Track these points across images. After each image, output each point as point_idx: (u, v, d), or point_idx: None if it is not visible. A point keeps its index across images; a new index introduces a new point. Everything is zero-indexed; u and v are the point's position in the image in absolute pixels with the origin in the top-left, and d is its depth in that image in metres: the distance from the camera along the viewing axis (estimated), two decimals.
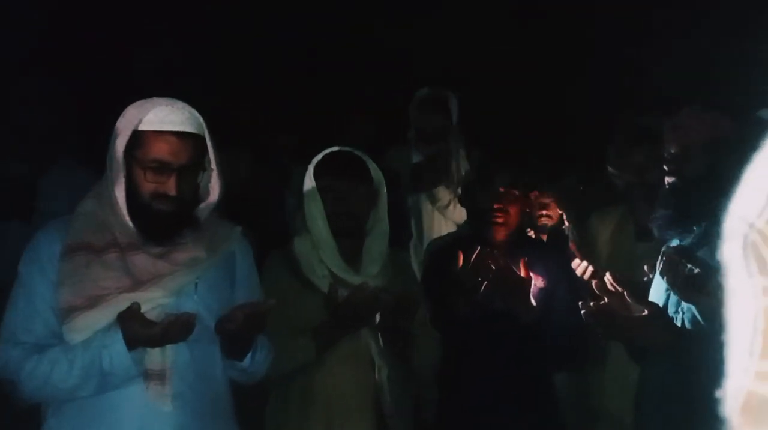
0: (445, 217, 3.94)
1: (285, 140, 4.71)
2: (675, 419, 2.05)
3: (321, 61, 5.63)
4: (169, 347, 1.95)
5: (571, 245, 2.78)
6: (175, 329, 1.88)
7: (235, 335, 2.03)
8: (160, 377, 1.94)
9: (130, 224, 2.00)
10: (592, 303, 2.06)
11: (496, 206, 2.64)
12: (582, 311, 2.05)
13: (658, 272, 2.16)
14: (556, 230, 3.62)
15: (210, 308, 2.05)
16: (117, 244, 1.98)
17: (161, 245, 2.02)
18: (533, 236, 3.55)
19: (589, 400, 2.93)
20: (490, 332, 2.61)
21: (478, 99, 5.26)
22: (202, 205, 2.11)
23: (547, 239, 3.66)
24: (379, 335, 2.46)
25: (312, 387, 2.45)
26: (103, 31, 5.02)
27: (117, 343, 1.88)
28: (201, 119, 2.05)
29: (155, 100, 2.02)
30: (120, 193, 1.99)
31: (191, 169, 2.02)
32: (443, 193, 3.91)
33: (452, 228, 3.89)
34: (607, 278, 2.21)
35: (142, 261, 1.98)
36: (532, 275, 2.56)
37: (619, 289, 2.13)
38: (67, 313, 1.90)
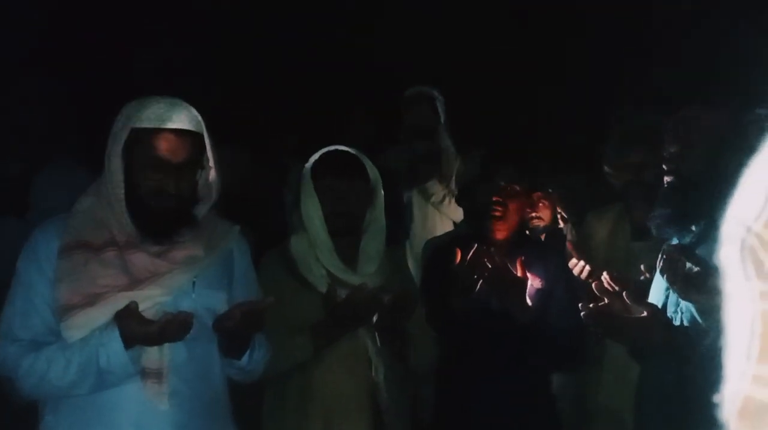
0: (440, 212, 4.02)
1: (284, 139, 4.72)
2: (674, 418, 2.05)
3: (320, 61, 5.63)
4: (166, 345, 1.95)
5: (569, 245, 2.77)
6: (172, 328, 1.87)
7: (233, 333, 2.03)
8: (157, 375, 1.94)
9: (129, 221, 1.99)
10: (591, 304, 2.06)
11: (494, 199, 2.62)
12: (581, 313, 2.05)
13: (657, 270, 2.16)
14: (555, 231, 3.62)
15: (208, 306, 2.05)
16: (115, 242, 1.98)
17: (159, 243, 2.02)
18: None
19: (587, 398, 2.93)
20: (487, 332, 2.61)
21: (476, 99, 5.28)
22: (200, 203, 2.11)
23: (546, 239, 3.65)
24: (377, 334, 2.46)
25: (309, 386, 2.45)
26: (102, 30, 5.02)
27: (114, 341, 1.88)
28: (199, 117, 2.05)
29: (153, 98, 2.02)
30: (118, 191, 1.98)
31: (189, 167, 2.02)
32: (437, 188, 4.01)
33: (448, 224, 3.97)
34: (605, 277, 2.21)
35: (140, 259, 1.98)
36: (529, 274, 2.55)
37: (617, 288, 2.13)
38: (65, 311, 1.90)
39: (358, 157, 2.55)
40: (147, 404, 1.94)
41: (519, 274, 2.53)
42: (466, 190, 2.80)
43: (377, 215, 2.57)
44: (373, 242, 2.56)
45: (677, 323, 2.07)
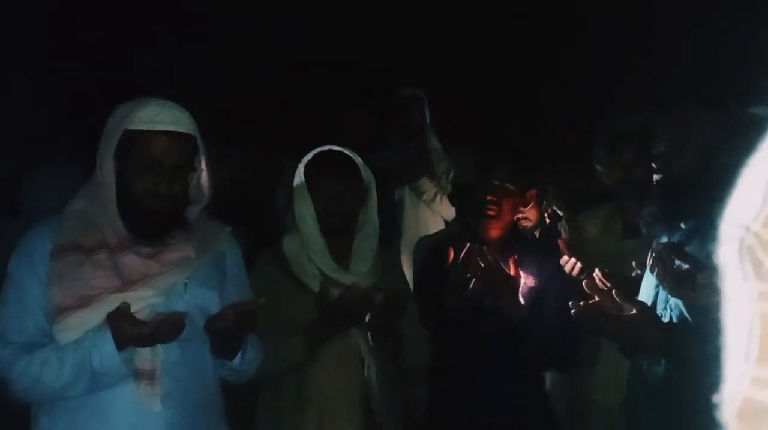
0: (432, 210, 4.12)
1: (281, 139, 4.72)
2: (664, 416, 2.06)
3: (317, 61, 5.62)
4: (159, 346, 1.94)
5: (560, 243, 2.78)
6: (165, 329, 1.87)
7: (225, 334, 2.03)
8: (150, 376, 1.94)
9: (121, 223, 1.99)
10: (581, 302, 2.07)
11: (489, 198, 2.63)
12: (572, 310, 2.06)
13: (648, 267, 2.18)
14: (549, 229, 3.63)
15: (200, 307, 2.05)
16: (106, 244, 1.98)
17: (151, 245, 2.01)
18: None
19: (581, 395, 2.93)
20: (480, 331, 2.61)
21: (471, 98, 5.29)
22: (192, 205, 2.11)
23: (540, 237, 3.66)
24: (369, 333, 2.47)
25: (303, 386, 2.45)
26: (101, 30, 5.00)
27: (107, 343, 1.88)
28: (192, 119, 2.04)
29: (146, 99, 2.01)
30: (110, 193, 1.98)
31: (182, 168, 2.02)
32: (429, 187, 4.11)
33: (439, 222, 4.07)
34: (596, 274, 2.22)
35: (132, 261, 1.97)
36: (522, 273, 2.56)
37: (609, 284, 2.15)
38: (58, 313, 1.89)
39: (351, 157, 2.55)
40: (140, 405, 1.93)
41: (512, 272, 2.54)
42: (460, 189, 2.81)
43: (370, 215, 2.58)
44: (365, 242, 2.56)
45: (666, 320, 2.08)
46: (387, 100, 4.34)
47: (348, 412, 2.46)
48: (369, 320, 2.43)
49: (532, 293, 2.60)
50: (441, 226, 3.99)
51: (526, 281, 2.58)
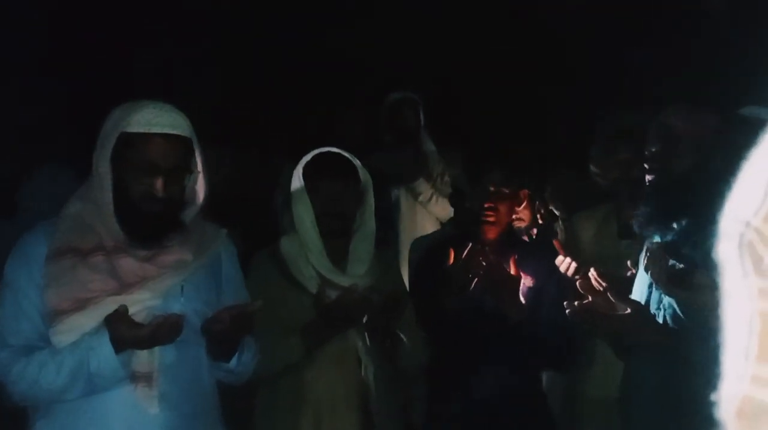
0: (428, 211, 4.16)
1: (279, 140, 4.73)
2: (659, 415, 2.06)
3: (316, 62, 5.62)
4: (156, 348, 1.95)
5: (555, 243, 2.78)
6: (163, 331, 1.88)
7: (222, 336, 2.03)
8: (147, 378, 1.94)
9: (117, 226, 1.99)
10: (576, 302, 2.07)
11: (486, 205, 2.64)
12: (567, 310, 2.06)
13: (642, 267, 2.18)
14: (546, 230, 3.62)
15: (196, 309, 2.04)
16: (103, 247, 1.98)
17: (147, 247, 2.02)
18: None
19: (577, 393, 2.92)
20: (478, 331, 2.62)
21: (469, 99, 5.29)
22: (188, 207, 2.10)
23: (537, 238, 3.66)
24: (367, 334, 2.46)
25: (300, 386, 2.45)
26: (101, 30, 5.00)
27: (104, 345, 1.88)
28: (188, 122, 2.04)
29: (142, 102, 2.01)
30: (107, 195, 1.98)
31: (178, 171, 2.01)
32: (425, 188, 4.15)
33: (434, 222, 4.10)
34: (592, 273, 2.22)
35: (128, 264, 1.98)
36: (521, 273, 2.57)
37: (604, 284, 2.15)
38: (54, 316, 1.90)
39: (350, 159, 2.55)
40: (137, 407, 1.93)
41: (512, 272, 2.54)
42: (458, 193, 2.82)
43: (367, 217, 2.58)
44: (362, 244, 2.56)
45: (660, 319, 2.08)
46: (382, 102, 4.37)
47: (345, 413, 2.46)
48: (367, 320, 2.43)
49: (531, 293, 2.60)
50: (435, 226, 4.01)
51: (525, 281, 2.58)
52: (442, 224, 4.00)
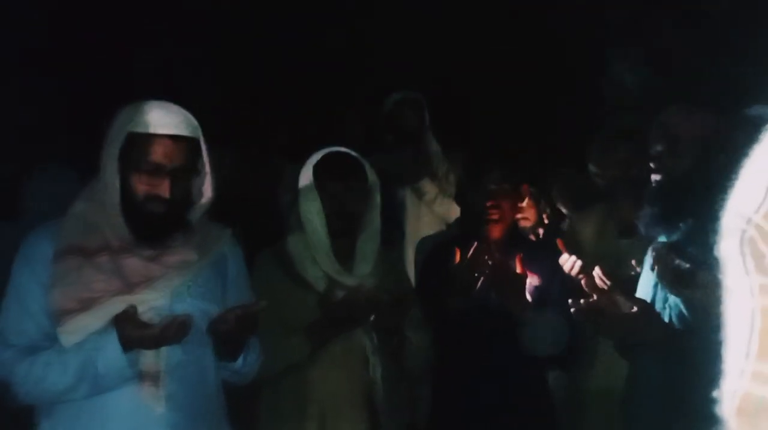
0: (433, 211, 4.14)
1: (280, 140, 4.73)
2: (663, 414, 2.06)
3: (317, 62, 5.62)
4: (163, 349, 1.95)
5: (559, 242, 2.79)
6: (171, 331, 1.87)
7: (227, 336, 2.03)
8: (153, 378, 1.94)
9: (123, 226, 1.99)
10: (581, 300, 2.07)
11: (489, 204, 2.65)
12: (571, 309, 2.06)
13: (647, 266, 2.18)
14: (554, 228, 3.63)
15: (202, 309, 2.04)
16: (108, 247, 1.98)
17: (153, 247, 2.02)
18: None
19: (579, 389, 2.93)
20: (484, 330, 2.62)
21: (468, 98, 5.29)
22: (194, 207, 2.11)
23: (542, 236, 3.66)
24: (373, 333, 2.47)
25: (306, 385, 2.45)
26: (101, 30, 4.99)
27: (111, 345, 1.88)
28: (195, 122, 2.05)
29: (150, 102, 2.01)
30: (114, 195, 1.98)
31: (185, 172, 2.02)
32: (429, 187, 4.13)
33: (439, 222, 4.07)
34: (596, 272, 2.22)
35: (133, 264, 1.98)
36: (527, 271, 2.57)
37: (608, 283, 2.15)
38: (60, 316, 1.89)
39: (358, 159, 2.56)
40: (143, 407, 1.93)
41: (518, 270, 2.55)
42: (463, 193, 2.82)
43: (373, 217, 2.58)
44: (369, 243, 2.56)
45: (665, 318, 2.09)
46: (382, 102, 4.35)
47: (351, 412, 2.46)
48: (374, 320, 2.43)
49: (537, 292, 2.61)
50: (442, 227, 4.00)
51: (531, 279, 2.59)
52: (447, 224, 4.00)
